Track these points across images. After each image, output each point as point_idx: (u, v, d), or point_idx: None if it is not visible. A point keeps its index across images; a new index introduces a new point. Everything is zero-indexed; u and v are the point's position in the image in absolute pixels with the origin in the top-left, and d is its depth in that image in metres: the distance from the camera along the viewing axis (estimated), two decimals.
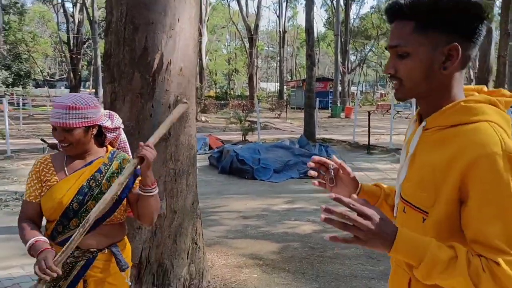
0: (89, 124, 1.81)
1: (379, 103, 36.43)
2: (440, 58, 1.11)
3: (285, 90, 44.76)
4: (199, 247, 3.61)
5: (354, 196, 1.09)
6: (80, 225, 1.66)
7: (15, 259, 4.23)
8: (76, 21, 37.60)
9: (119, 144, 2.08)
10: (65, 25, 41.99)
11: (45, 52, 44.25)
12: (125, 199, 1.89)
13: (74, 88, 35.99)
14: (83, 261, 1.82)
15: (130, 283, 1.99)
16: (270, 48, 66.94)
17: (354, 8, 46.25)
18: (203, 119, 24.15)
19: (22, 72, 37.58)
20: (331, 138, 15.50)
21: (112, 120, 1.95)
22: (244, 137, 15.11)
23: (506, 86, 13.43)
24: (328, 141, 14.55)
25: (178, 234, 3.36)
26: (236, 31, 48.79)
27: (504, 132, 1.08)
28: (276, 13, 56.79)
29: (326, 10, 55.19)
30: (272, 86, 64.31)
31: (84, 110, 1.78)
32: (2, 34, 33.30)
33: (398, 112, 22.01)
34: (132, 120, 3.10)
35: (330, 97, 32.35)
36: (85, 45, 40.41)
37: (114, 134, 1.98)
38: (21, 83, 39.01)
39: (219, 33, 52.76)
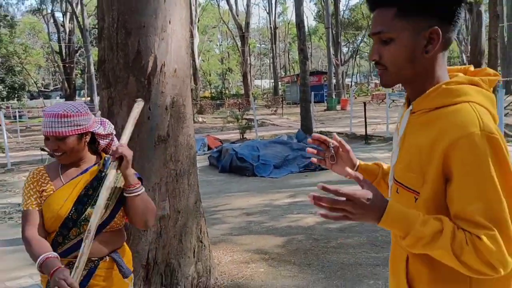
0: (82, 132, 1.80)
1: (374, 93, 36.46)
2: (422, 42, 1.14)
3: (279, 86, 44.78)
4: (204, 245, 3.65)
5: (348, 170, 1.14)
6: (84, 237, 1.65)
7: (23, 269, 4.27)
8: (67, 30, 37.52)
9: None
10: (56, 35, 41.95)
11: (37, 63, 44.17)
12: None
13: (69, 97, 35.93)
14: (85, 271, 1.78)
15: None
16: (262, 45, 66.89)
17: (343, 0, 46.20)
18: (200, 120, 24.18)
19: (16, 85, 37.44)
20: (328, 131, 15.53)
21: (105, 127, 1.94)
22: (242, 135, 15.15)
23: (499, 68, 13.49)
24: (325, 134, 14.60)
25: (183, 233, 3.40)
26: (227, 30, 48.76)
27: (487, 112, 1.11)
28: (266, 9, 56.82)
29: (315, 4, 55.14)
30: (266, 83, 64.30)
31: (76, 118, 1.77)
32: None
33: (393, 101, 22.04)
34: None
35: (325, 90, 32.35)
36: (78, 54, 40.32)
37: (107, 140, 1.95)
38: (16, 95, 38.87)
39: (211, 33, 52.67)
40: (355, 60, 52.94)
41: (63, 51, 38.29)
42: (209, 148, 12.29)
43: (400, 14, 1.13)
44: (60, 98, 51.96)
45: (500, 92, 8.43)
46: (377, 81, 57.13)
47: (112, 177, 1.72)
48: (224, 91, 48.16)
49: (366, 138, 12.33)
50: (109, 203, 1.80)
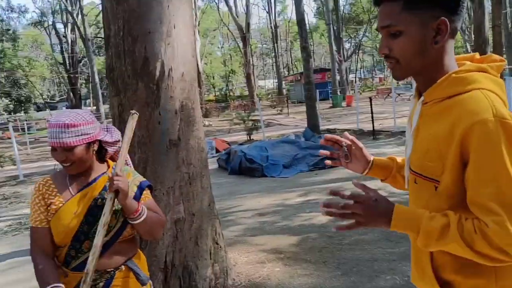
0: (90, 140, 1.74)
1: (379, 88, 36.33)
2: (430, 34, 1.16)
3: (283, 85, 44.75)
4: (220, 247, 3.66)
5: (353, 181, 1.20)
6: (90, 253, 1.65)
7: None
8: (69, 41, 37.85)
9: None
10: (59, 46, 42.26)
11: (42, 75, 44.64)
12: None
13: (75, 107, 36.16)
14: (102, 283, 1.76)
15: None
16: (264, 45, 66.93)
17: None
18: (206, 123, 24.21)
19: (22, 98, 37.83)
20: (335, 128, 15.52)
21: (112, 134, 1.89)
22: (249, 137, 15.17)
23: (504, 56, 13.39)
24: (332, 131, 14.57)
25: (198, 236, 3.41)
26: (228, 32, 48.84)
27: (498, 97, 1.13)
28: (265, 9, 56.83)
29: (315, 0, 55.17)
30: (270, 83, 64.31)
31: (83, 127, 1.70)
32: None
33: (399, 94, 21.96)
34: (142, 130, 3.16)
35: (330, 87, 32.29)
36: (81, 63, 40.63)
37: (115, 148, 1.89)
38: (23, 108, 39.27)
39: (212, 36, 52.80)
40: (358, 55, 52.75)
41: (67, 62, 38.64)
42: (217, 151, 12.30)
43: (407, 7, 1.15)
44: (66, 108, 52.35)
45: (508, 80, 8.36)
46: (381, 76, 56.99)
47: (108, 213, 1.67)
48: (228, 93, 48.20)
49: (374, 134, 12.28)
50: (115, 223, 1.77)
